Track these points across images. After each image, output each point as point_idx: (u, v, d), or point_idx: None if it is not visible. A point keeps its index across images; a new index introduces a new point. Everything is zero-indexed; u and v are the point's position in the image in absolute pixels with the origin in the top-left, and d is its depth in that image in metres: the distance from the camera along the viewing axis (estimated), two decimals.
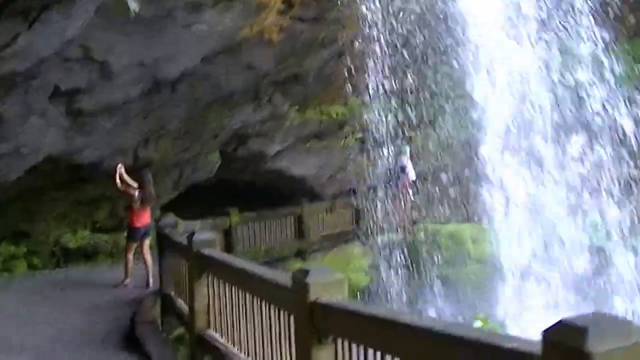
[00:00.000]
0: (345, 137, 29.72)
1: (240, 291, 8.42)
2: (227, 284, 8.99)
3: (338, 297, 5.75)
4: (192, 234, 9.96)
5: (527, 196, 22.34)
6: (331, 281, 5.81)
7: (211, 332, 9.74)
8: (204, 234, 10.01)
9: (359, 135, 29.59)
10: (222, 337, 9.34)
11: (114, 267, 20.96)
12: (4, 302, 17.22)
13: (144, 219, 18.59)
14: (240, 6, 17.67)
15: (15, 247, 21.22)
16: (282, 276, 7.01)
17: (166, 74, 18.72)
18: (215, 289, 9.45)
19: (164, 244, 13.60)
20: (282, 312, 6.90)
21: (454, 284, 24.49)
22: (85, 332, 14.00)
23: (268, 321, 7.33)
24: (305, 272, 5.79)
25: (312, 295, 5.70)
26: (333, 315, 5.62)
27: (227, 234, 19.84)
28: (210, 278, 9.64)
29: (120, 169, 18.55)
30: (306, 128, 27.45)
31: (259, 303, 7.69)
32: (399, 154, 28.50)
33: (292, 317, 6.32)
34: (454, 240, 25.87)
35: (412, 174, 28.70)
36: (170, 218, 14.81)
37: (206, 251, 9.60)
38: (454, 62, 24.44)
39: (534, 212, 22.52)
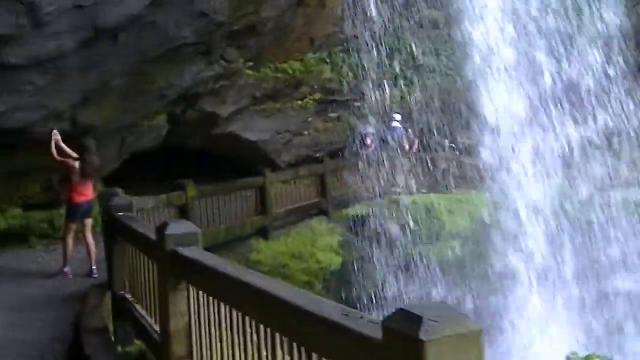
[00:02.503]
0: (303, 98, 26.76)
1: (246, 319, 5.20)
2: (221, 304, 5.70)
3: None
4: (164, 225, 6.60)
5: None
6: None
7: None
8: (181, 226, 6.64)
9: (317, 96, 26.92)
10: None
11: (51, 252, 17.64)
12: None
13: (86, 194, 15.41)
14: None
15: None
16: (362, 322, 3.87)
17: (108, 20, 15.59)
18: (202, 308, 6.17)
19: (115, 229, 10.13)
20: None
21: (435, 263, 21.78)
22: (13, 343, 10.71)
23: None
24: None
25: None
26: None
27: (183, 211, 16.46)
28: (192, 291, 6.36)
29: (56, 136, 15.24)
30: (261, 87, 24.57)
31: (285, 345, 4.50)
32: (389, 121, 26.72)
33: None
34: (428, 214, 23.17)
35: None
36: (122, 197, 11.29)
37: (186, 252, 6.28)
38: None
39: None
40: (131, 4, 15.67)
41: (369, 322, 3.71)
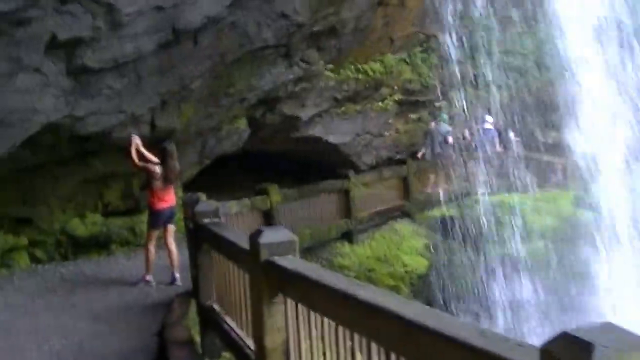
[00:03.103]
0: (383, 100, 26.18)
1: (354, 337, 4.55)
2: (324, 320, 5.05)
3: None
4: (258, 232, 5.97)
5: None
6: None
7: None
8: (276, 233, 6.00)
9: (397, 97, 26.34)
10: None
11: (131, 259, 17.20)
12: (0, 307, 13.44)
13: (167, 199, 14.82)
14: None
15: (15, 237, 17.06)
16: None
17: (187, 21, 15.13)
18: (301, 323, 5.52)
19: (201, 236, 9.51)
20: None
21: (524, 264, 20.95)
22: (94, 354, 10.21)
23: None
24: None
25: None
26: None
27: (267, 216, 15.80)
28: (290, 304, 5.72)
29: (136, 140, 14.66)
30: (341, 88, 24.03)
31: None
32: (439, 121, 26.57)
33: None
34: (514, 213, 22.33)
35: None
36: (207, 202, 10.64)
37: (283, 261, 5.65)
38: None
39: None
40: (211, 4, 15.20)
41: (520, 347, 3.14)
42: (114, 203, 18.61)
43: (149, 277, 14.68)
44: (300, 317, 5.52)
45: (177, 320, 10.93)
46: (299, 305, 5.53)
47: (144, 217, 16.18)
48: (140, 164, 14.66)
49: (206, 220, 9.40)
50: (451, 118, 26.89)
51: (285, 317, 5.83)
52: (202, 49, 16.13)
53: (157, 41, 14.78)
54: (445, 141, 25.57)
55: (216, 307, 9.00)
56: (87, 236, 17.88)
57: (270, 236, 5.91)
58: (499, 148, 26.28)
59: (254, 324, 6.40)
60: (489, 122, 26.51)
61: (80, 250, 17.87)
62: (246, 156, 23.82)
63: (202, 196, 12.34)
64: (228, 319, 8.22)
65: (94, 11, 13.17)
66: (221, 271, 8.57)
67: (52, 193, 17.28)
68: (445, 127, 26.25)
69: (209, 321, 9.25)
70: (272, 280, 5.84)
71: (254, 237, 6.00)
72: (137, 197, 18.17)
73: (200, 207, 9.74)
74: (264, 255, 5.83)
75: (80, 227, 17.89)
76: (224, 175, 22.81)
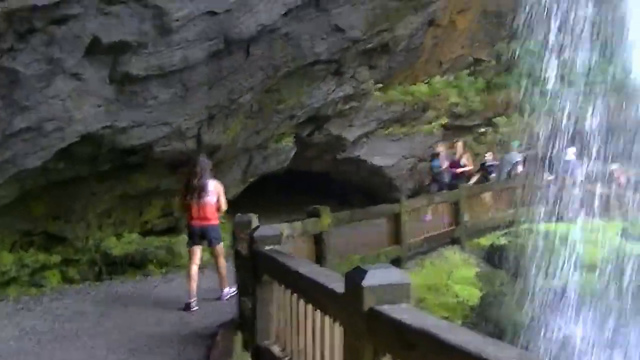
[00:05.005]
0: (429, 122, 24.96)
1: None
2: None
3: None
4: (360, 272, 4.46)
5: None
6: None
7: None
8: (383, 273, 4.48)
9: (444, 120, 25.11)
10: None
11: (169, 281, 15.80)
12: (26, 330, 12.03)
13: (196, 216, 13.44)
14: None
15: (47, 255, 15.68)
16: None
17: (241, 30, 13.73)
18: None
19: (262, 265, 7.96)
20: None
21: (577, 295, 19.62)
22: None
23: None
24: None
25: None
26: None
27: (318, 240, 14.35)
28: None
29: None
30: (389, 109, 23.01)
31: None
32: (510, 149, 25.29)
33: None
34: (565, 244, 20.95)
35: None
36: (270, 227, 9.02)
37: (394, 312, 4.15)
38: None
39: None
40: (266, 12, 13.81)
41: None
42: (152, 221, 17.19)
43: (191, 302, 13.25)
44: None
45: (222, 357, 9.43)
46: None
47: (183, 238, 14.83)
48: None
49: (267, 248, 7.88)
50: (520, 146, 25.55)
51: None
52: (253, 60, 14.80)
53: (207, 50, 13.39)
54: (516, 168, 24.25)
55: (276, 350, 7.48)
56: (123, 255, 16.48)
57: (377, 277, 4.39)
58: (579, 180, 25.02)
59: None
60: (570, 153, 25.09)
61: (116, 270, 16.48)
62: (287, 176, 22.52)
63: (254, 217, 10.90)
64: None
65: (142, 14, 11.80)
66: (287, 310, 7.04)
67: (88, 209, 15.88)
68: (515, 155, 24.91)
69: None
70: (378, 337, 4.33)
71: (354, 277, 4.50)
72: (177, 215, 16.76)
73: (260, 232, 8.16)
74: (368, 302, 4.33)
75: (116, 246, 16.51)
76: (263, 194, 21.54)
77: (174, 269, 16.51)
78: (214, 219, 13.50)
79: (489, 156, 25.20)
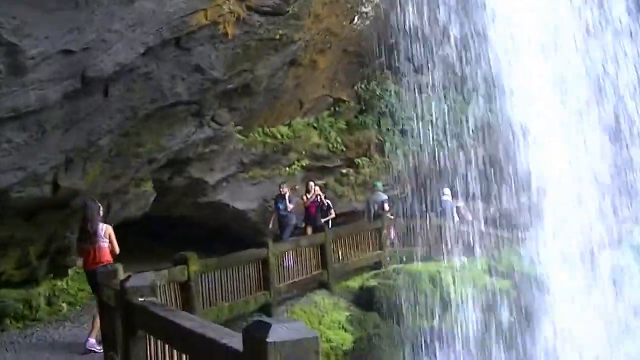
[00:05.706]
0: (291, 165, 24.58)
1: None
2: None
3: None
4: (261, 326, 3.79)
5: None
6: None
7: None
8: (289, 328, 3.85)
9: (305, 162, 24.81)
10: None
11: (28, 337, 14.76)
12: None
13: (94, 260, 13.29)
14: None
15: None
16: None
17: (98, 68, 12.89)
18: None
19: (137, 320, 7.20)
20: None
21: (449, 336, 19.61)
22: None
23: None
24: None
25: None
26: None
27: (184, 287, 13.69)
28: None
29: None
30: (250, 152, 22.64)
31: None
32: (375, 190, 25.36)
33: None
34: (434, 283, 21.05)
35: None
36: (141, 276, 8.10)
37: None
38: None
39: None
40: (124, 51, 13.14)
41: None
42: (8, 273, 16.09)
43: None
44: None
45: None
46: None
47: (41, 289, 14.00)
48: None
49: (141, 299, 7.17)
50: (384, 186, 25.53)
51: None
52: (112, 101, 14.08)
53: (63, 89, 12.56)
54: (382, 209, 24.18)
55: None
56: None
57: (282, 332, 3.87)
58: (457, 219, 25.27)
59: None
60: (447, 194, 25.25)
61: None
62: (146, 221, 21.66)
63: (120, 267, 10.27)
64: None
65: None
66: None
67: None
68: (381, 195, 24.87)
69: None
70: None
71: (255, 333, 3.96)
72: (34, 265, 15.77)
73: (132, 282, 7.42)
74: None
75: None
76: (121, 241, 20.76)
77: (32, 323, 15.54)
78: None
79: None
